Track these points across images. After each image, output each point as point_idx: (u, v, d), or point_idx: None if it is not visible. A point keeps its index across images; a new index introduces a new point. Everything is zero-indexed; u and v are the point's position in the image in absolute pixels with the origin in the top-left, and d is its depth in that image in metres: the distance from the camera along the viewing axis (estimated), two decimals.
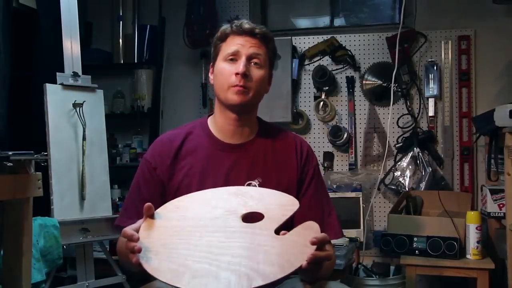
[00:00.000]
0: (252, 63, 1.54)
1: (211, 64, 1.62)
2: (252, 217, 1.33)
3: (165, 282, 1.20)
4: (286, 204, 1.36)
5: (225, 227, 1.29)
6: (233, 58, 1.54)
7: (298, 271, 1.28)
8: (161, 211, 1.36)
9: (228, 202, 1.36)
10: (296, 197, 1.57)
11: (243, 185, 1.54)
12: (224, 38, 1.57)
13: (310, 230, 1.27)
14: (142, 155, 1.82)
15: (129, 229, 1.28)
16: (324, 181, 1.70)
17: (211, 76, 1.62)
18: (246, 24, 1.55)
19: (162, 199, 1.56)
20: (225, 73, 1.53)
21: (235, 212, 1.32)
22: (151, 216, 1.32)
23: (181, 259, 1.22)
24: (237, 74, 1.51)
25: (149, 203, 1.32)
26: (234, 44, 1.54)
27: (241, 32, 1.54)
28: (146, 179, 1.58)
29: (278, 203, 1.36)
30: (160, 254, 1.23)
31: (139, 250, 1.22)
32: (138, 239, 1.25)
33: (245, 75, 1.51)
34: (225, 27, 1.57)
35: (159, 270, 1.20)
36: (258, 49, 1.55)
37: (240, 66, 1.51)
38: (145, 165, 1.60)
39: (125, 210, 1.61)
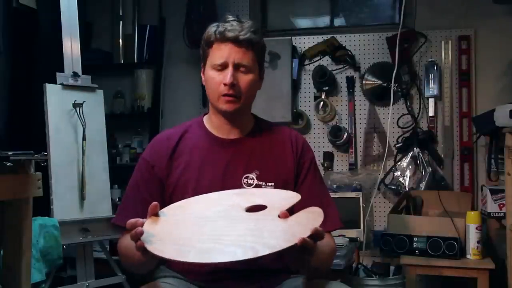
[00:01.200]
0: (240, 70, 1.54)
1: (202, 64, 1.63)
2: (255, 210, 1.35)
3: (169, 259, 1.21)
4: (288, 197, 1.39)
5: (229, 216, 1.32)
6: (220, 68, 1.54)
7: (291, 260, 1.31)
8: (165, 210, 1.37)
9: (232, 200, 1.39)
10: (294, 189, 1.58)
11: (241, 178, 1.55)
12: (209, 44, 1.56)
13: (313, 213, 1.30)
14: None
15: (133, 219, 1.27)
16: (321, 175, 1.71)
17: (203, 77, 1.62)
18: (230, 32, 1.52)
19: (161, 198, 1.56)
20: (214, 82, 1.54)
21: (239, 205, 1.35)
22: (156, 215, 1.33)
23: (186, 241, 1.23)
24: (225, 84, 1.52)
25: (155, 202, 1.32)
26: (219, 53, 1.53)
27: (225, 39, 1.53)
28: (145, 178, 1.59)
29: (280, 197, 1.39)
30: (164, 240, 1.24)
31: (141, 233, 1.21)
32: (142, 224, 1.25)
33: (232, 85, 1.52)
34: (210, 32, 1.55)
35: (163, 251, 1.20)
36: (243, 56, 1.53)
37: (227, 76, 1.52)
38: (143, 164, 1.61)
39: (122, 209, 1.61)
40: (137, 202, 1.55)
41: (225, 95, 1.53)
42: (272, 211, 1.31)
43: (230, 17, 1.57)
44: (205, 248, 1.20)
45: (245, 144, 1.60)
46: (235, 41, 1.52)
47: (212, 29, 1.55)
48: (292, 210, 1.33)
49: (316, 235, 1.22)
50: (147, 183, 1.58)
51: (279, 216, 1.28)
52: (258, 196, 1.39)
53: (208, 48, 1.57)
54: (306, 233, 1.20)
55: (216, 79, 1.54)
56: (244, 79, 1.54)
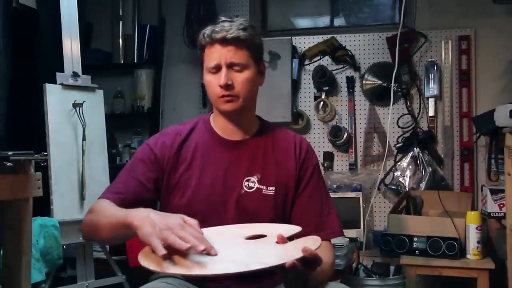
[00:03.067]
0: (234, 68, 1.53)
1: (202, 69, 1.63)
2: (256, 238, 1.34)
3: (152, 270, 1.19)
4: (289, 228, 1.38)
5: (229, 242, 1.32)
6: (215, 70, 1.53)
7: (287, 283, 1.30)
8: None
9: (234, 231, 1.40)
10: (294, 195, 1.59)
11: (242, 180, 1.55)
12: (202, 48, 1.56)
13: (310, 239, 1.28)
14: None
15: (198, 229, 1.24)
16: (324, 181, 1.70)
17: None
18: (217, 33, 1.51)
19: (154, 185, 1.55)
20: (211, 85, 1.55)
21: (240, 235, 1.35)
22: None
23: (180, 257, 1.22)
24: (220, 86, 1.52)
25: None
26: (212, 55, 1.53)
27: (213, 41, 1.52)
28: (144, 161, 1.57)
29: (282, 228, 1.39)
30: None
31: (215, 254, 1.18)
32: (215, 254, 1.20)
33: (227, 86, 1.51)
34: (201, 37, 1.55)
35: (148, 262, 1.19)
36: (235, 54, 1.52)
37: (221, 78, 1.51)
38: (146, 149, 1.59)
39: (112, 186, 1.59)
40: (128, 179, 1.54)
41: (222, 96, 1.53)
42: (271, 238, 1.31)
43: (222, 18, 1.56)
44: (198, 262, 1.19)
45: (249, 146, 1.60)
46: (223, 41, 1.51)
47: (202, 33, 1.55)
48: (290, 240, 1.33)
49: (310, 259, 1.21)
50: (145, 165, 1.56)
51: (277, 242, 1.27)
52: (259, 229, 1.39)
53: (202, 52, 1.57)
54: (300, 254, 1.19)
55: (212, 82, 1.54)
56: (239, 77, 1.53)
